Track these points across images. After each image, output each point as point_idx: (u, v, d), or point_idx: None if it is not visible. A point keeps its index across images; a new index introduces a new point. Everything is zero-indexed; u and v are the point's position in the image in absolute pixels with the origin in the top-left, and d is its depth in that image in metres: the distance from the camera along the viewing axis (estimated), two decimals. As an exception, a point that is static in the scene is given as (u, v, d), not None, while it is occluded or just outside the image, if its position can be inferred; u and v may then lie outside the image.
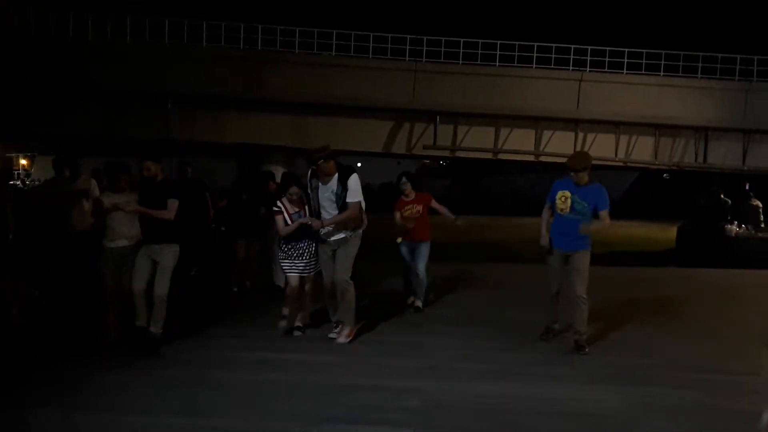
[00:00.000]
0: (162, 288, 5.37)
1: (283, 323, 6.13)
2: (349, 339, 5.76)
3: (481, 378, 4.91)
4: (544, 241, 5.82)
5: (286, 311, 6.18)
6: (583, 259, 5.61)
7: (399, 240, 7.10)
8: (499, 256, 14.79)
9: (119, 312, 5.53)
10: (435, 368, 5.10)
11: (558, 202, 5.65)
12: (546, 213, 5.86)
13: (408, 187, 7.06)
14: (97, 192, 7.19)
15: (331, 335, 5.87)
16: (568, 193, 5.60)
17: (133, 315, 5.48)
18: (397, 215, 7.08)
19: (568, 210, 5.59)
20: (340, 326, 5.85)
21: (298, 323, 6.04)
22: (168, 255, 5.41)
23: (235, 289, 7.88)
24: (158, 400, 4.29)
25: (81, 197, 7.10)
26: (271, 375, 4.84)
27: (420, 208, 7.02)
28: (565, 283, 5.74)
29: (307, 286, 6.13)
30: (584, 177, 5.54)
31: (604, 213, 5.58)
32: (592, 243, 5.67)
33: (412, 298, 7.27)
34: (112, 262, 5.50)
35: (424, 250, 7.05)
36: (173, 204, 5.40)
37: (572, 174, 5.57)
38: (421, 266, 7.03)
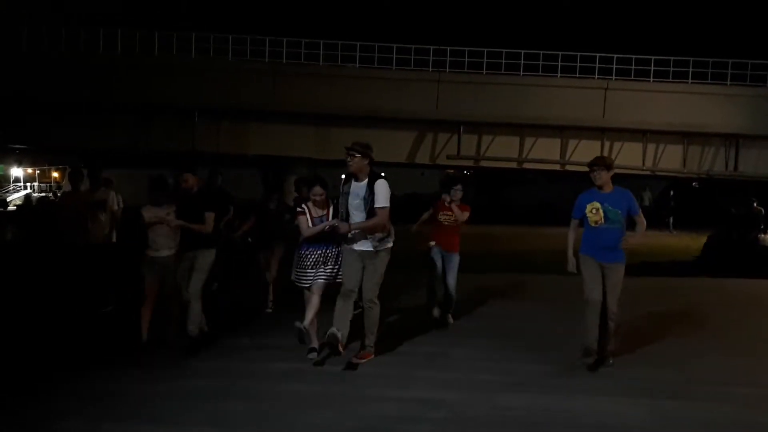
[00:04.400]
0: (195, 285, 5.70)
1: (312, 355, 5.54)
2: (363, 361, 5.40)
3: (507, 390, 4.86)
4: (572, 266, 5.54)
5: (311, 341, 5.59)
6: (619, 273, 5.42)
7: (432, 243, 6.93)
8: (524, 267, 14.62)
9: (151, 316, 5.74)
10: (460, 380, 5.06)
11: (590, 215, 5.42)
12: (573, 231, 5.59)
13: (459, 195, 6.86)
14: (115, 203, 7.41)
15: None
16: (597, 204, 5.39)
17: (170, 320, 5.85)
18: (427, 214, 6.99)
19: (602, 221, 5.37)
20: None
21: (312, 345, 5.57)
22: (201, 257, 5.77)
23: (269, 310, 7.48)
24: (184, 412, 4.31)
25: (99, 209, 7.28)
26: (296, 386, 4.84)
27: (456, 218, 6.86)
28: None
29: (314, 298, 5.50)
30: (607, 180, 5.39)
31: (640, 218, 5.44)
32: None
33: (436, 310, 7.05)
34: (154, 271, 5.73)
35: (455, 262, 6.93)
36: (210, 216, 5.77)
37: (594, 176, 5.40)
38: (452, 280, 6.92)
